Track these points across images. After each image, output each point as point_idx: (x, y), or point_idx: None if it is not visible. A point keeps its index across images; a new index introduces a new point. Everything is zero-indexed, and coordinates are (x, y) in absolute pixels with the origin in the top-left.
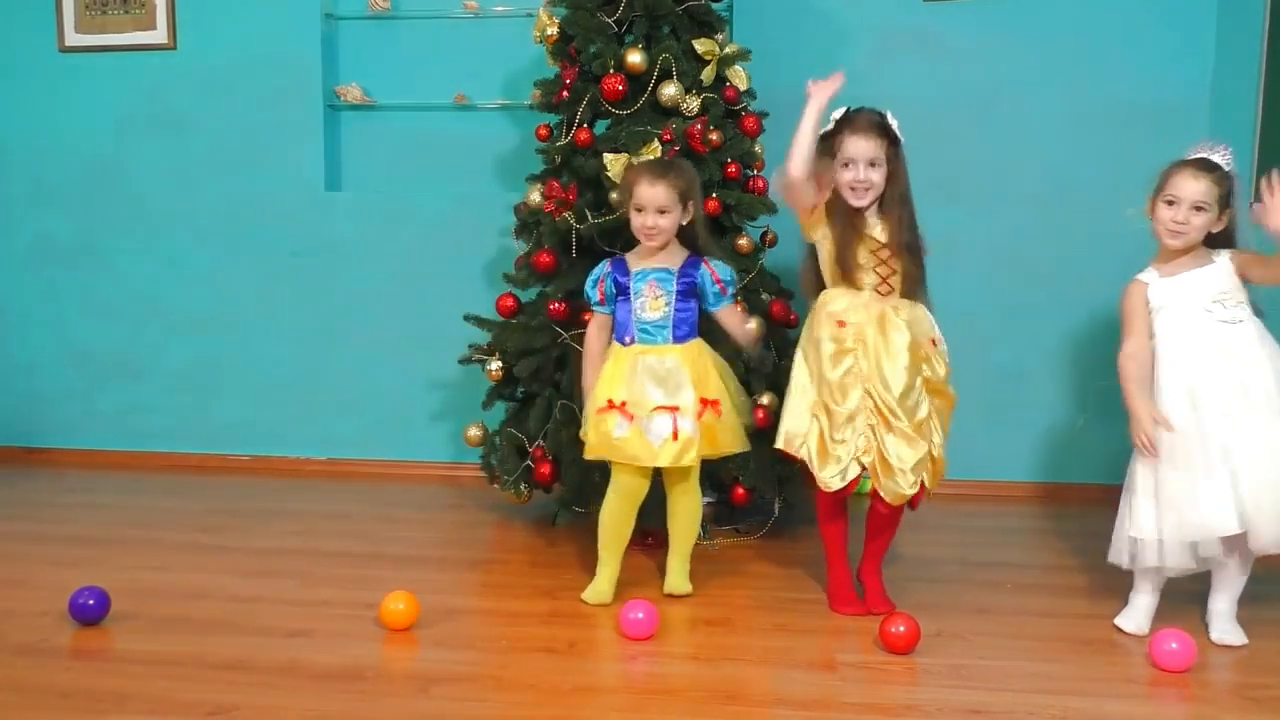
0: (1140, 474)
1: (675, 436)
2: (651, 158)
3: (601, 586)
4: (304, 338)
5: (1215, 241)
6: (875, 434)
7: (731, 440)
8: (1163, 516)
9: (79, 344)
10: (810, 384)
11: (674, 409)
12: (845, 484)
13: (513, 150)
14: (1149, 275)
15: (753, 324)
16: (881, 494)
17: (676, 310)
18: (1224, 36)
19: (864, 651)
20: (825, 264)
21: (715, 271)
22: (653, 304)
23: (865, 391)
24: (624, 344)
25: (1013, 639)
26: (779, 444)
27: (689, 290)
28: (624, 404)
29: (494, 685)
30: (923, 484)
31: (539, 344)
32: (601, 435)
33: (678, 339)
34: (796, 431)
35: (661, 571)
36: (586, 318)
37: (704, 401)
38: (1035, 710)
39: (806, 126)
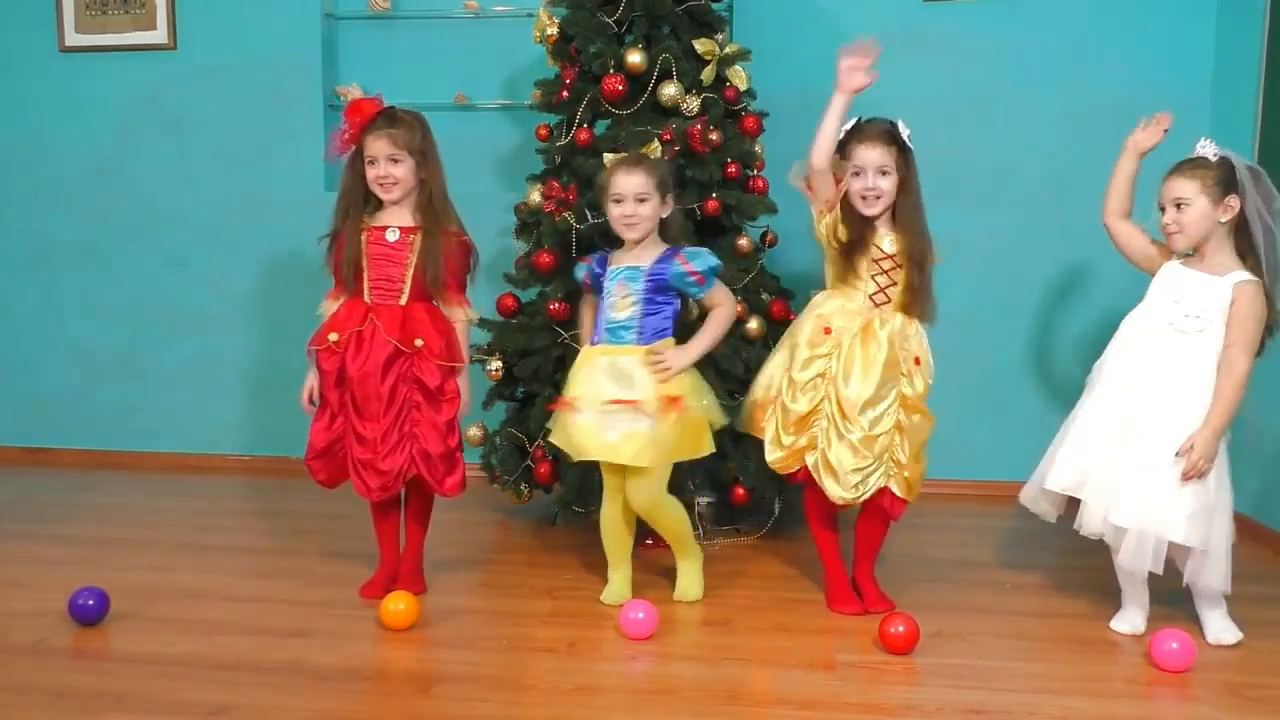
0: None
1: (644, 432)
2: (666, 156)
3: (618, 588)
4: (304, 337)
5: (1243, 240)
6: (825, 436)
7: (693, 443)
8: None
9: (79, 343)
10: (775, 378)
11: (633, 403)
12: (794, 470)
13: (513, 150)
14: (1174, 258)
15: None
16: (825, 491)
17: (645, 312)
18: (1224, 36)
19: (864, 651)
20: (828, 266)
21: (688, 263)
22: (620, 304)
23: (826, 395)
24: (591, 344)
25: (1013, 639)
26: (740, 425)
27: (660, 287)
28: (575, 399)
29: (495, 685)
30: (891, 493)
31: (539, 344)
32: (565, 434)
33: (644, 338)
34: (755, 418)
35: (662, 573)
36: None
37: (667, 399)
38: (1035, 710)
39: (832, 117)
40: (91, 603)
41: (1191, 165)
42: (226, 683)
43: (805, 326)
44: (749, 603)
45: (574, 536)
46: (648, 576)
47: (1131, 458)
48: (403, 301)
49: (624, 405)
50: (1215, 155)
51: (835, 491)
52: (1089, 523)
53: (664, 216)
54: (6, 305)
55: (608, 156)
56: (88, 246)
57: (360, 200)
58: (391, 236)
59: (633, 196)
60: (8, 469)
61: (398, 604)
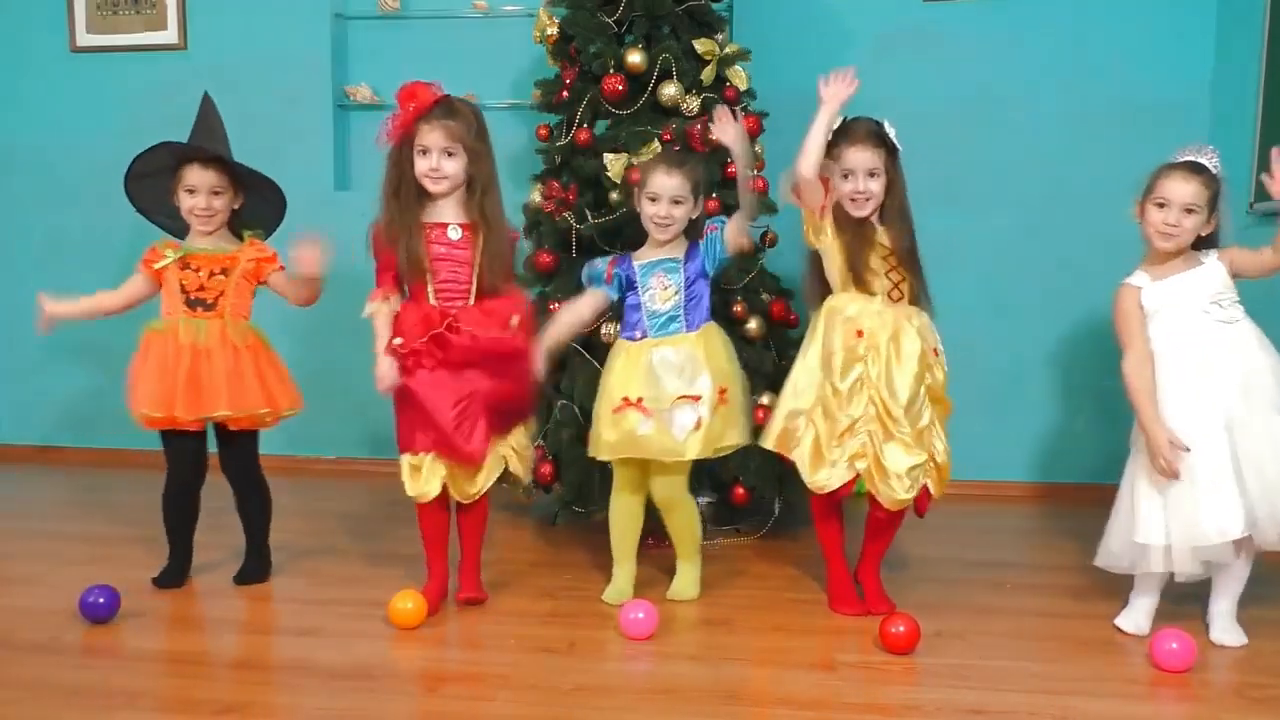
0: (1142, 478)
1: (698, 426)
2: (664, 150)
3: (621, 586)
4: (313, 337)
5: (1200, 243)
6: (874, 440)
7: (737, 431)
8: (1170, 522)
9: (91, 342)
10: (809, 387)
11: (695, 398)
12: (837, 487)
13: (523, 150)
14: (1140, 279)
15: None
16: (879, 499)
17: (688, 298)
18: (1224, 36)
19: (864, 651)
20: (834, 270)
21: (708, 228)
22: (662, 295)
23: (870, 399)
24: (634, 340)
25: (1013, 639)
26: (768, 443)
27: (699, 274)
28: (640, 400)
29: (500, 684)
30: (927, 489)
31: None
32: (624, 433)
33: (692, 326)
34: (790, 431)
35: (666, 573)
36: None
37: (720, 390)
38: (1035, 710)
39: (819, 128)
40: (102, 601)
41: (1205, 174)
42: (236, 681)
43: (835, 332)
44: (749, 603)
45: (574, 536)
46: (648, 576)
47: (1264, 463)
48: (470, 302)
49: (688, 400)
50: (1216, 169)
51: (890, 495)
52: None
53: (694, 218)
54: (18, 304)
55: (608, 157)
56: (99, 246)
57: (414, 193)
58: (454, 235)
59: (669, 198)
60: (20, 467)
61: (406, 603)
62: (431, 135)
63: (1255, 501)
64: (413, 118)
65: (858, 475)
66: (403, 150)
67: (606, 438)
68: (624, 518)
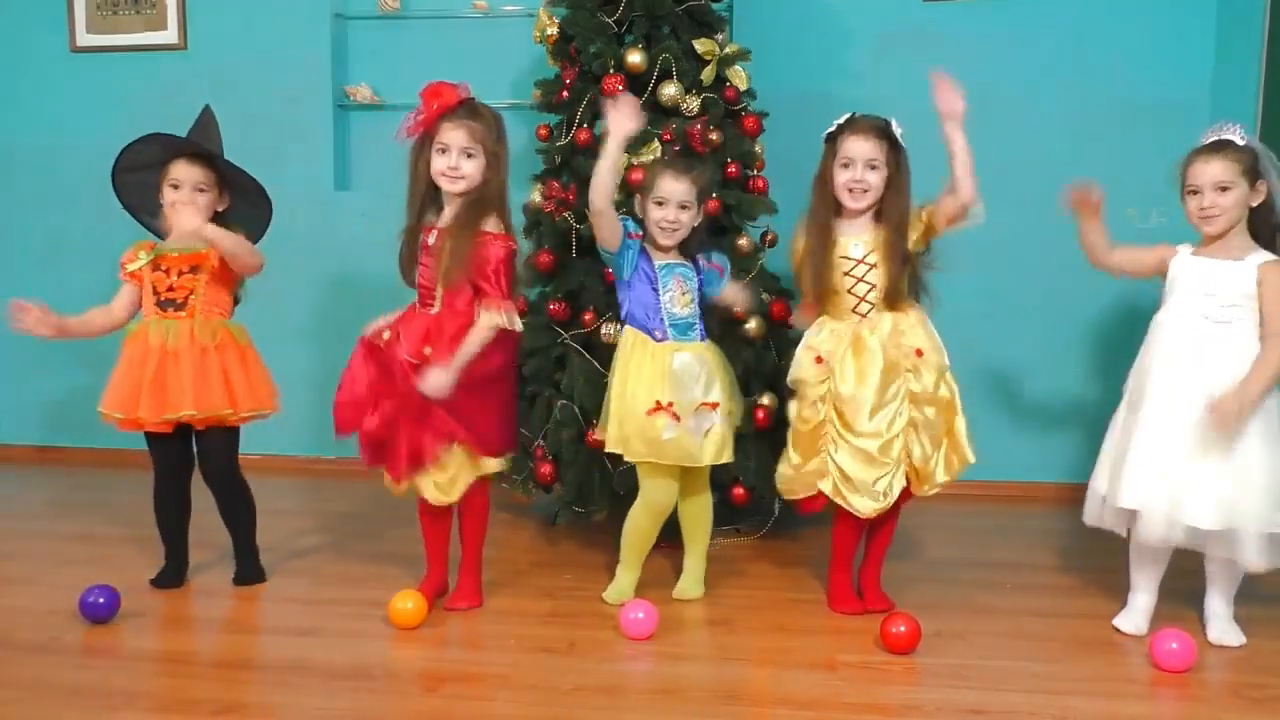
0: (1110, 434)
1: (714, 432)
2: (668, 156)
3: (623, 587)
4: (313, 337)
5: (1265, 232)
6: (833, 457)
7: (732, 446)
8: (1109, 477)
9: (91, 342)
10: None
11: (714, 405)
12: (800, 498)
13: (523, 150)
14: (1184, 248)
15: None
16: (851, 511)
17: (699, 305)
18: (1224, 36)
19: (864, 651)
20: (808, 297)
21: (711, 261)
22: (682, 300)
23: (828, 417)
24: (656, 339)
25: (1013, 639)
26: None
27: (701, 286)
28: (670, 405)
29: (499, 684)
30: (908, 488)
31: (539, 344)
32: (651, 439)
33: (703, 338)
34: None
35: (670, 572)
36: (587, 317)
37: (727, 400)
38: (1035, 710)
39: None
40: (102, 601)
41: (1228, 149)
42: (235, 681)
43: (800, 362)
44: (749, 603)
45: (575, 536)
46: (649, 576)
47: (1200, 456)
48: (435, 310)
49: (707, 407)
50: (1243, 140)
51: (862, 506)
52: (1150, 532)
53: (695, 225)
54: None
55: None
56: (99, 246)
57: (425, 192)
58: (431, 241)
59: (676, 203)
60: (20, 468)
61: (406, 603)
62: (453, 134)
63: (1150, 488)
64: (435, 116)
65: (820, 494)
66: (420, 150)
67: (636, 443)
68: (646, 534)
